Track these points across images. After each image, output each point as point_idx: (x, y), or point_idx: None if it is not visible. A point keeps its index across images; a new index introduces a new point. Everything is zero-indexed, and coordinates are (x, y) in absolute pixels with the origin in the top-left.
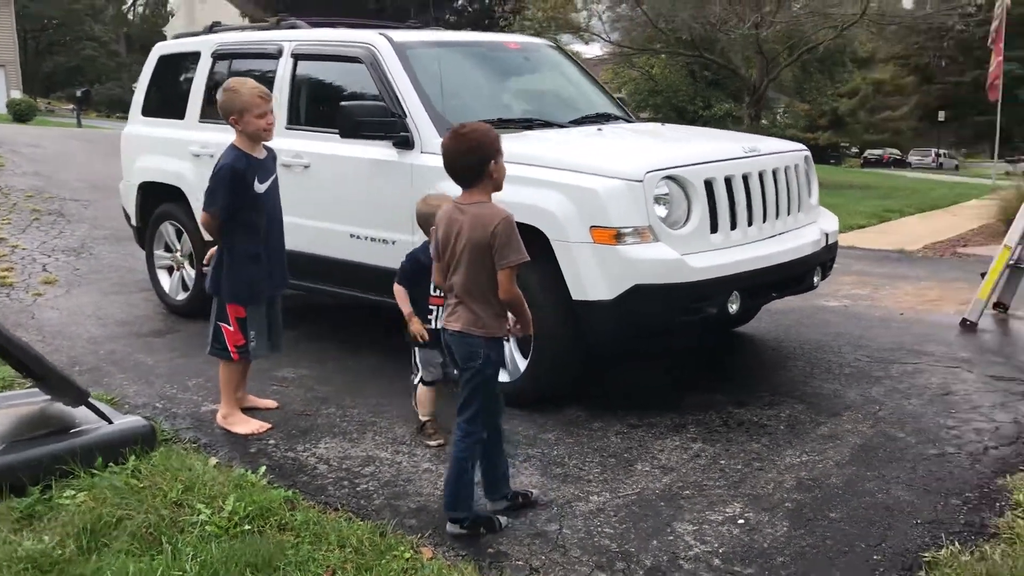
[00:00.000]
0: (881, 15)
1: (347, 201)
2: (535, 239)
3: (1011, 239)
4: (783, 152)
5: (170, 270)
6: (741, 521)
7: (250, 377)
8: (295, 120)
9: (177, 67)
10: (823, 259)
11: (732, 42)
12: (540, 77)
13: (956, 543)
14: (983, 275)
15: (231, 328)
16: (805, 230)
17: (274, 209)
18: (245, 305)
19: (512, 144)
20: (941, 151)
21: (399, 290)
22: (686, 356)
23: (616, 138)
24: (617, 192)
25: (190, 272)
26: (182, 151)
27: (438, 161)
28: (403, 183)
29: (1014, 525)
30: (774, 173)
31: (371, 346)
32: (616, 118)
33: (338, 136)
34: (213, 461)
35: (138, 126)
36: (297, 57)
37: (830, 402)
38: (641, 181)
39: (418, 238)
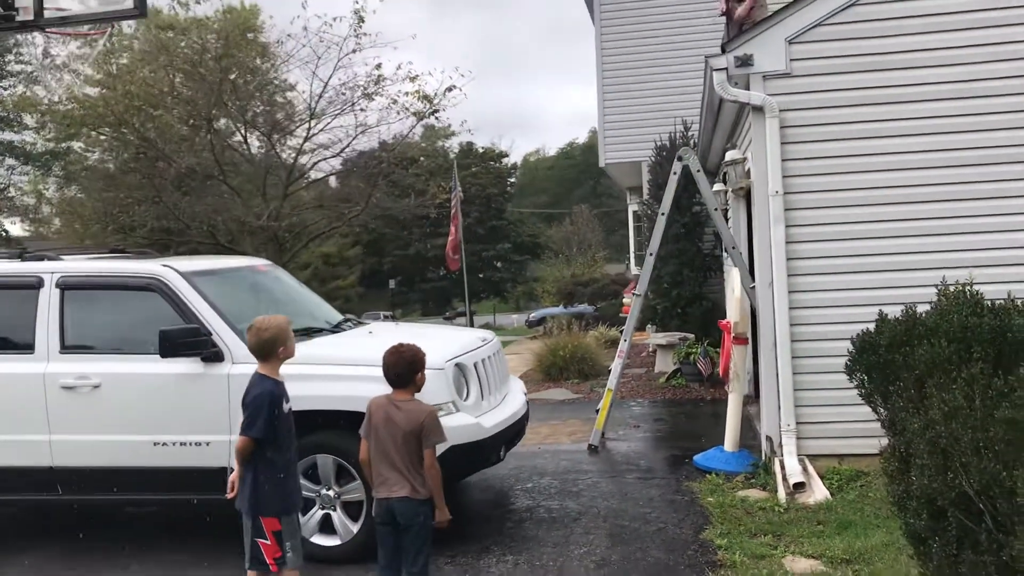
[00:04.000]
0: (385, 209)
1: (149, 412)
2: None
3: (612, 383)
4: (494, 340)
5: None
6: None
7: None
8: (75, 344)
9: None
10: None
11: (254, 233)
12: (284, 291)
13: (709, 571)
14: (597, 411)
15: (268, 542)
16: (512, 396)
17: (291, 426)
18: (280, 517)
19: (322, 348)
20: (389, 313)
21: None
22: None
23: (398, 337)
24: (429, 379)
25: None
26: None
27: (251, 370)
28: (220, 390)
29: (730, 559)
30: (493, 355)
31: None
32: (355, 322)
33: (130, 355)
34: None
35: None
36: (64, 287)
37: (567, 513)
38: (443, 369)
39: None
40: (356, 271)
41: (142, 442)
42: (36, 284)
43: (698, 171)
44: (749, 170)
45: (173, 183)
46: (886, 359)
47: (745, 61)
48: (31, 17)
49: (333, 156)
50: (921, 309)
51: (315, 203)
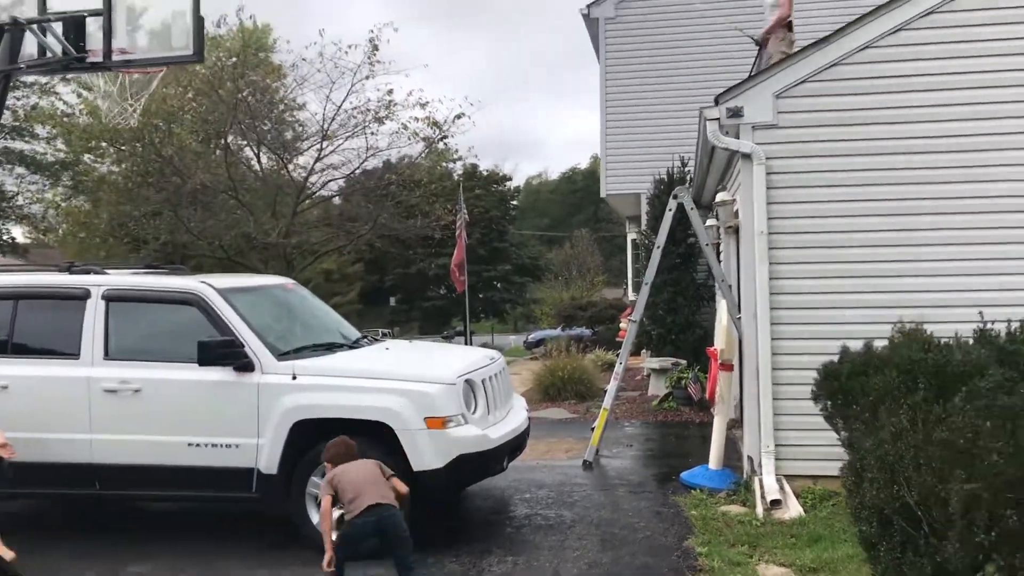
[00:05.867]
0: (391, 229)
1: (185, 415)
2: (381, 429)
3: (607, 403)
4: (500, 360)
5: None
6: None
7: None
8: (117, 352)
9: None
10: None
11: (263, 249)
12: (308, 308)
13: (689, 574)
14: (592, 430)
15: None
16: (515, 412)
17: None
18: None
19: (344, 361)
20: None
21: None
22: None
23: (412, 354)
24: (442, 392)
25: None
26: None
27: (278, 379)
28: (250, 397)
29: (709, 565)
30: (499, 373)
31: None
32: (370, 339)
33: (168, 363)
34: None
35: None
36: (109, 299)
37: (562, 521)
38: (454, 384)
39: (264, 440)
40: (356, 288)
41: (177, 443)
42: (83, 295)
43: (691, 209)
44: (737, 211)
45: (187, 198)
46: (846, 387)
47: (736, 112)
48: (100, 59)
49: (343, 177)
50: (880, 344)
51: (323, 221)
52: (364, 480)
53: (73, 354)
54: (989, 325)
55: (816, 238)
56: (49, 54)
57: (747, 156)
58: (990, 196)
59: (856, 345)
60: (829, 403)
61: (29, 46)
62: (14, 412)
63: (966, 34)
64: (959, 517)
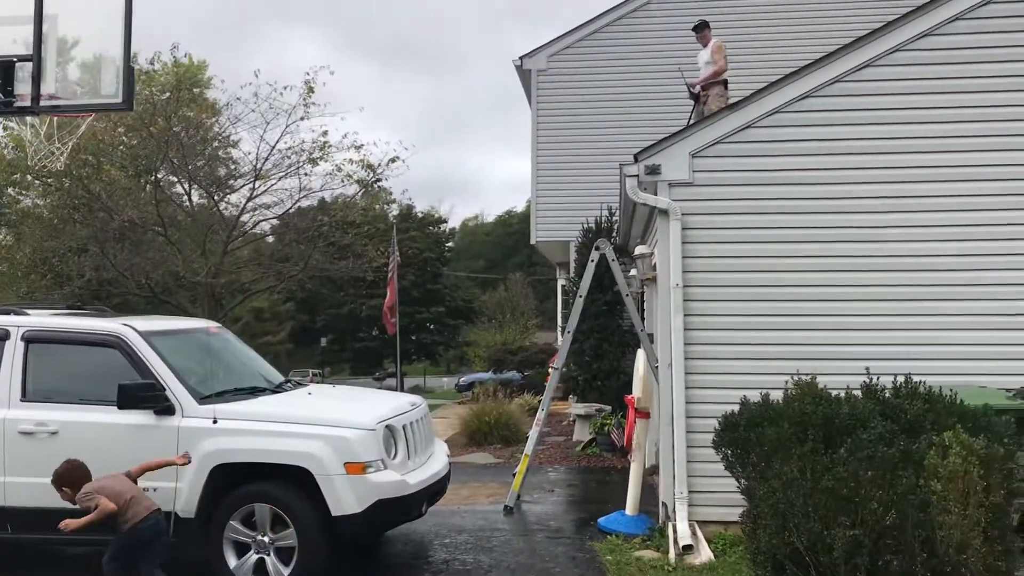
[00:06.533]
0: (323, 270)
1: (104, 458)
2: (300, 474)
3: (529, 448)
4: (422, 405)
5: None
6: None
7: None
8: (34, 393)
9: None
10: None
11: (191, 288)
12: (231, 351)
13: None
14: (514, 475)
15: None
16: (436, 457)
17: None
18: None
19: (266, 406)
20: (317, 371)
21: None
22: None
23: (334, 399)
24: (362, 438)
25: None
26: None
27: (199, 423)
28: (170, 441)
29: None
30: (421, 419)
31: None
32: (294, 383)
33: (87, 405)
34: None
35: None
36: (28, 340)
37: (480, 566)
38: (374, 429)
39: (183, 484)
40: (287, 327)
41: None
42: (2, 336)
43: (613, 260)
44: (655, 264)
45: (114, 235)
46: (744, 436)
47: (653, 170)
48: (28, 104)
49: (275, 217)
50: (777, 395)
51: (254, 260)
52: (130, 488)
53: None
54: (875, 379)
55: (726, 291)
56: None
57: (664, 212)
58: (880, 255)
59: (759, 395)
60: (729, 452)
61: None
62: None
63: (865, 102)
64: (843, 562)
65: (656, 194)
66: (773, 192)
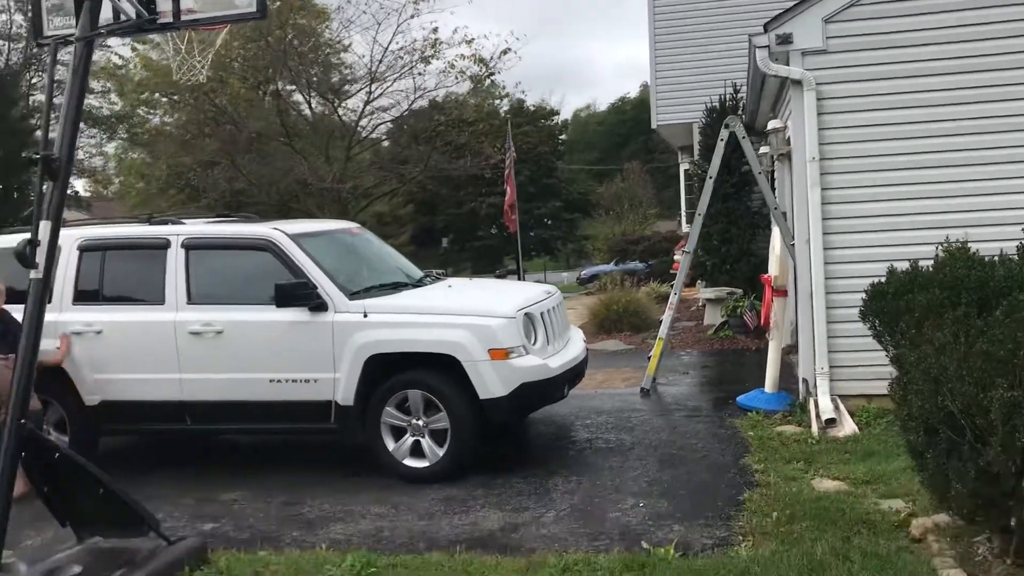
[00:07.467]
0: (442, 170)
1: (265, 354)
2: (449, 362)
3: (663, 332)
4: (556, 293)
5: None
6: (641, 505)
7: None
8: (198, 296)
9: None
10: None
11: (318, 194)
12: (373, 250)
13: (747, 489)
14: (648, 358)
15: None
16: (573, 342)
17: None
18: None
19: (410, 299)
20: (441, 271)
21: None
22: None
23: (474, 290)
24: (504, 325)
25: None
26: None
27: (351, 318)
28: (325, 335)
29: (765, 480)
30: (556, 307)
31: None
32: (433, 277)
33: (246, 305)
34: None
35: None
36: (188, 247)
37: (622, 444)
38: (515, 317)
39: (341, 375)
40: (408, 230)
41: (259, 379)
42: (164, 245)
43: (743, 138)
44: (789, 138)
45: (243, 147)
46: (892, 305)
47: (785, 39)
48: (170, 20)
49: (392, 120)
50: (927, 263)
51: (375, 165)
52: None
53: (158, 300)
54: None
55: (865, 162)
56: (123, 17)
57: (797, 83)
58: None
59: (904, 265)
60: (876, 321)
61: (105, 11)
62: (108, 355)
63: None
64: (1001, 423)
65: (788, 64)
66: (914, 54)
